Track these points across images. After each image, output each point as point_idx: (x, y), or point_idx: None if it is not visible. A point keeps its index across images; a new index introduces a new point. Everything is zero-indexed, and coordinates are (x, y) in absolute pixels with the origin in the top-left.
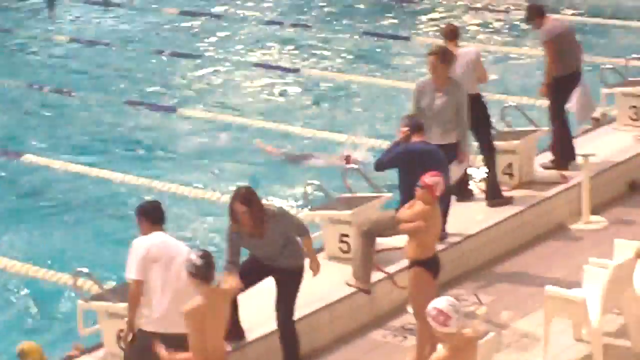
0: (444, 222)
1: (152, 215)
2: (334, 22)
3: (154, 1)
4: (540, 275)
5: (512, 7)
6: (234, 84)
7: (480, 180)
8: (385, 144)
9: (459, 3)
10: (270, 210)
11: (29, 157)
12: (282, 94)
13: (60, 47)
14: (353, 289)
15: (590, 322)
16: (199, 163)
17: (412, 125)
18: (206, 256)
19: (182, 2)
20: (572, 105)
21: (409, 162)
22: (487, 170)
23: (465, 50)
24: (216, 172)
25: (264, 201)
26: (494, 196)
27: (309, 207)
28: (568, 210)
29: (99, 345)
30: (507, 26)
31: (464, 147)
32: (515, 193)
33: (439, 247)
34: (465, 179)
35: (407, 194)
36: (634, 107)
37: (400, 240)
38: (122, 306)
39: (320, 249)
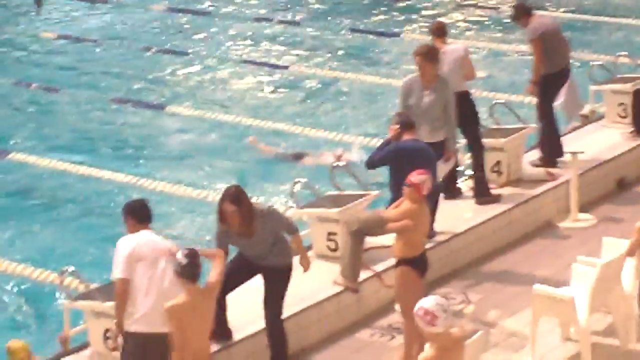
0: (432, 220)
1: (139, 214)
2: (323, 19)
3: None
4: (529, 274)
5: (501, 4)
6: (222, 81)
7: (468, 178)
8: (374, 142)
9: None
10: (260, 209)
11: (15, 155)
12: (271, 91)
13: (47, 44)
14: (340, 288)
15: (578, 321)
16: (187, 161)
17: (403, 123)
18: (192, 255)
19: None
20: (559, 102)
21: (399, 160)
22: (475, 168)
23: (453, 47)
24: (204, 170)
25: (252, 200)
26: (482, 194)
27: (297, 205)
28: (556, 208)
29: (86, 345)
30: (496, 23)
31: (450, 145)
32: (504, 191)
33: (427, 245)
34: (453, 177)
35: (397, 192)
36: (623, 104)
37: (388, 239)
38: (108, 305)
39: (308, 247)
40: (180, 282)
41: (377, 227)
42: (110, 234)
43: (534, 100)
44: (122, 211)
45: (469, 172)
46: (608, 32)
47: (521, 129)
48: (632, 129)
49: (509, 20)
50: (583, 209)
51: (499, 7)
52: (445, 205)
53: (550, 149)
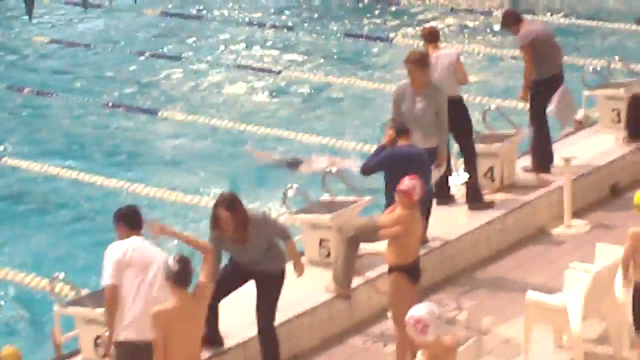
0: (426, 226)
1: (130, 220)
2: (317, 24)
3: (133, 2)
4: (522, 280)
5: (493, 9)
6: (215, 85)
7: (461, 184)
8: (368, 147)
9: (440, 4)
10: (254, 216)
11: (8, 160)
12: (264, 96)
13: (40, 48)
14: (333, 293)
15: (571, 328)
16: (180, 166)
17: (398, 128)
18: (183, 261)
19: (163, 3)
20: (552, 108)
21: (394, 166)
22: (468, 174)
23: (445, 52)
24: (197, 175)
25: (246, 206)
26: (475, 199)
27: (289, 211)
28: (550, 214)
29: (77, 352)
30: (489, 28)
31: (441, 151)
32: (497, 197)
33: (421, 251)
34: (446, 182)
35: (392, 198)
36: (616, 109)
37: (382, 245)
38: (99, 312)
39: (301, 254)
40: (170, 287)
41: (372, 233)
42: (103, 239)
43: (527, 106)
44: (113, 217)
45: (462, 177)
46: (601, 36)
47: (514, 134)
48: (625, 134)
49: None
50: (576, 215)
51: (491, 12)
52: (438, 211)
53: (541, 155)
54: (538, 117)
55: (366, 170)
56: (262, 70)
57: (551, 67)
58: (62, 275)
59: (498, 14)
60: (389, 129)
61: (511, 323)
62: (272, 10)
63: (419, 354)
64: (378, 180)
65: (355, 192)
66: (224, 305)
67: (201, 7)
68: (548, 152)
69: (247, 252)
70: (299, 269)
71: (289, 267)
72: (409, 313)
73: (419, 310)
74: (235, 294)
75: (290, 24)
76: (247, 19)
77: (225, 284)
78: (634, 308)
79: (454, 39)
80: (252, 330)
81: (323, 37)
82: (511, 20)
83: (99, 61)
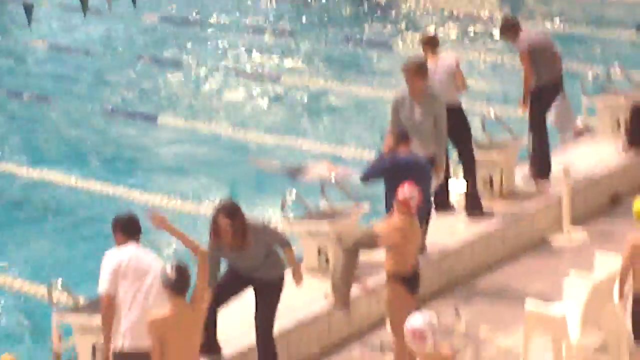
0: (424, 234)
1: (127, 228)
2: (316, 30)
3: (133, 8)
4: (521, 290)
5: (494, 15)
6: (214, 91)
7: (460, 192)
8: (368, 154)
9: (440, 11)
10: (253, 223)
11: (6, 165)
12: (263, 102)
13: (40, 53)
14: (331, 303)
15: (569, 338)
16: (179, 172)
17: (398, 136)
18: (180, 268)
19: (163, 9)
20: (551, 115)
21: (394, 173)
22: (467, 182)
23: (444, 58)
24: (196, 182)
25: (245, 213)
26: (474, 207)
27: (288, 218)
28: (549, 222)
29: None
30: (489, 34)
31: (439, 159)
32: (496, 205)
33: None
34: (445, 190)
35: (392, 206)
36: (616, 118)
37: (381, 254)
38: (97, 319)
39: (299, 261)
40: (167, 295)
41: (371, 242)
42: (102, 245)
43: (526, 113)
44: (111, 224)
45: (461, 185)
46: (601, 44)
47: (513, 142)
48: (625, 141)
49: None
50: (576, 223)
51: (492, 18)
52: (437, 219)
53: (540, 163)
54: (537, 125)
55: (366, 178)
56: (261, 76)
57: (550, 75)
58: (59, 282)
59: (497, 20)
60: (389, 136)
61: (510, 332)
62: (272, 16)
63: None
64: (377, 187)
65: (354, 199)
66: (223, 312)
67: (201, 13)
68: (547, 160)
69: (246, 259)
70: (298, 277)
71: (288, 275)
72: (407, 322)
73: (417, 320)
74: (234, 301)
75: (290, 29)
76: (246, 25)
77: (225, 291)
78: (633, 317)
79: (454, 46)
80: (251, 338)
81: (323, 43)
82: (509, 29)
83: (98, 67)
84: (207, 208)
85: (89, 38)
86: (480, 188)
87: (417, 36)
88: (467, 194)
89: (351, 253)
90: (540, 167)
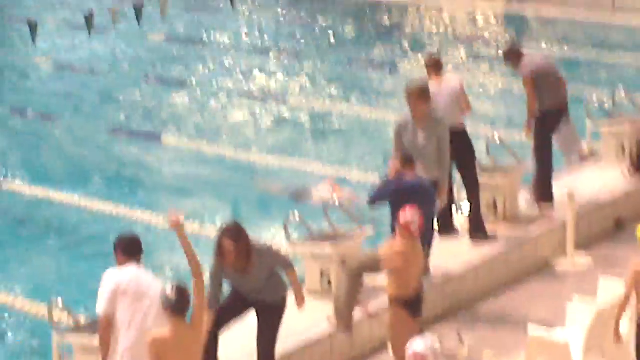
0: (428, 258)
1: (128, 248)
2: (321, 51)
3: (138, 27)
4: (524, 314)
5: (498, 38)
6: (219, 112)
7: (464, 216)
8: (371, 176)
9: (445, 32)
10: (257, 246)
11: (9, 184)
12: (268, 123)
13: (44, 71)
14: (333, 326)
15: None
16: (182, 193)
17: (403, 159)
18: (180, 289)
19: (168, 29)
20: (556, 139)
21: (399, 197)
22: (471, 205)
23: (448, 79)
24: (200, 203)
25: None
26: (477, 230)
27: (291, 240)
28: (553, 247)
29: None
30: (494, 57)
31: (442, 182)
32: (500, 229)
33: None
34: (449, 214)
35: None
36: (620, 144)
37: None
38: (97, 339)
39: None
40: (167, 316)
41: (374, 266)
42: (103, 265)
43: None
44: (113, 243)
45: (465, 209)
46: (605, 68)
47: (517, 166)
48: (630, 165)
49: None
50: (580, 248)
51: (497, 41)
52: (440, 243)
53: (542, 188)
54: (541, 149)
55: (372, 201)
56: (266, 97)
57: (555, 100)
58: (60, 301)
59: (502, 42)
60: (393, 160)
61: (513, 358)
62: (277, 37)
63: None
64: (381, 210)
65: (358, 222)
66: (225, 335)
67: (206, 33)
68: (549, 184)
69: (249, 281)
70: (300, 300)
71: (290, 297)
72: (409, 347)
73: (419, 344)
74: (236, 323)
75: (295, 50)
76: (252, 45)
77: (226, 313)
78: (637, 342)
79: (458, 68)
80: None
81: (328, 64)
82: (512, 54)
83: (102, 85)
84: (209, 229)
85: (93, 56)
86: (484, 211)
87: (422, 58)
88: (470, 218)
89: (355, 276)
90: (543, 191)
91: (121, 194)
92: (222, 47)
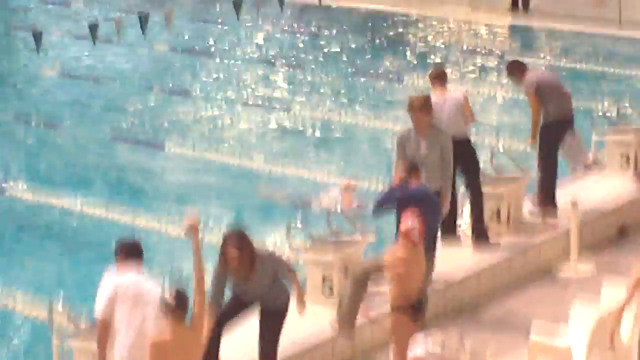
0: (432, 265)
1: (130, 253)
2: (326, 61)
3: (143, 37)
4: (527, 320)
5: (504, 50)
6: (223, 121)
7: (467, 224)
8: (374, 184)
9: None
10: (259, 252)
11: (12, 190)
12: (272, 132)
13: (49, 80)
14: (335, 332)
15: None
16: (186, 200)
17: (409, 167)
18: (179, 293)
19: (172, 39)
20: (562, 151)
21: (405, 205)
22: (474, 214)
23: (452, 92)
24: (203, 211)
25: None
26: (480, 237)
27: (292, 247)
28: (556, 254)
29: None
30: (499, 68)
31: (445, 192)
32: (503, 236)
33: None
34: (453, 222)
35: None
36: (625, 154)
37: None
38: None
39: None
40: (166, 319)
41: (378, 273)
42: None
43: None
44: (114, 249)
45: (468, 217)
46: (611, 79)
47: (522, 175)
48: (634, 176)
49: None
50: (584, 256)
51: (502, 53)
52: (444, 251)
53: (546, 198)
54: (546, 160)
55: (377, 209)
56: (270, 106)
57: (559, 112)
58: (60, 305)
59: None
60: (397, 169)
61: None
62: (282, 47)
63: None
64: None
65: (360, 229)
66: (226, 338)
67: (211, 43)
68: (553, 194)
69: (252, 287)
70: (302, 305)
71: (292, 301)
72: (410, 352)
73: (420, 349)
74: (237, 327)
75: (300, 61)
76: (256, 55)
77: (228, 317)
78: None
79: (463, 79)
80: None
81: (333, 74)
82: (515, 69)
83: (107, 94)
84: (212, 236)
85: (98, 66)
86: (488, 220)
87: (427, 69)
88: (473, 226)
89: (359, 282)
90: (546, 200)
91: (123, 200)
92: (226, 56)
